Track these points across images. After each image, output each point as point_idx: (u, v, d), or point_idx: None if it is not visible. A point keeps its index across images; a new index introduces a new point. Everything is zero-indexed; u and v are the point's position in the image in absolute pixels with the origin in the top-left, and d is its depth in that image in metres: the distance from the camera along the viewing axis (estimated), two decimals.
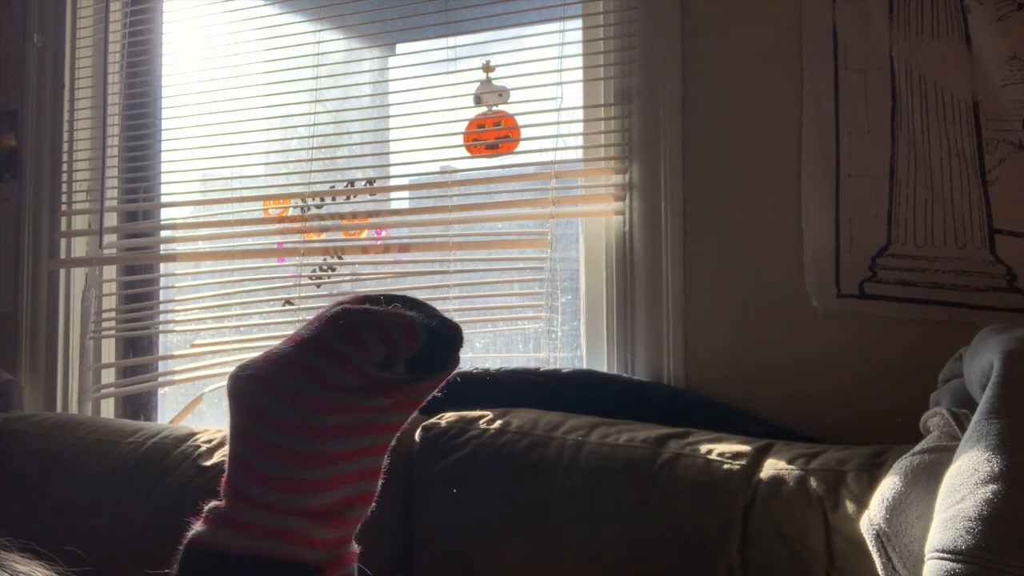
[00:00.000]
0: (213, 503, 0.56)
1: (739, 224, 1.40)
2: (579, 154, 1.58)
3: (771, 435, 1.22)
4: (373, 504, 0.59)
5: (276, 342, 0.59)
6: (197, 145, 1.86)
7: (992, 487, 0.71)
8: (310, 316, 0.64)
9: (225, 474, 0.56)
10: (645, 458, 1.15)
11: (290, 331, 0.61)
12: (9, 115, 1.98)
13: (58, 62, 1.96)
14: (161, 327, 1.92)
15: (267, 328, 1.81)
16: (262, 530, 0.53)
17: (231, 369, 0.57)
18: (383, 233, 1.75)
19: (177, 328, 1.91)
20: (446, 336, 0.59)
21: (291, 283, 1.75)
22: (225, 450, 0.61)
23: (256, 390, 0.55)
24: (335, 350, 0.55)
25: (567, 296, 1.62)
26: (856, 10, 1.33)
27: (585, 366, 1.54)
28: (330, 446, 0.55)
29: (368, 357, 0.55)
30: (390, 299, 0.60)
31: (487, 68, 1.63)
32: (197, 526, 0.55)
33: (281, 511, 0.54)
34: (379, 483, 0.59)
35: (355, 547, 0.59)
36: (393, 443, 0.60)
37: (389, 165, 1.78)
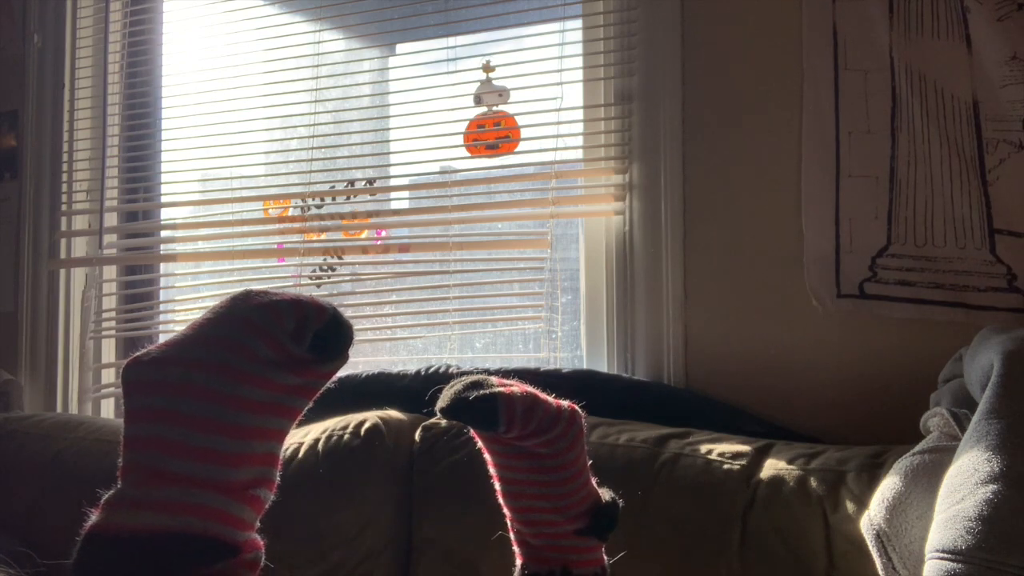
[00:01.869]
0: (110, 492, 0.56)
1: (739, 224, 1.40)
2: (579, 154, 1.58)
3: (771, 435, 1.23)
4: (274, 492, 0.61)
5: None
6: (197, 145, 1.86)
7: (992, 487, 0.71)
8: None
9: (124, 464, 0.56)
10: (645, 458, 1.15)
11: None
12: (9, 115, 1.98)
13: (58, 62, 1.96)
14: (161, 327, 1.92)
15: None
16: (176, 506, 0.54)
17: None
18: (383, 233, 1.75)
19: (177, 328, 1.91)
20: (344, 322, 0.62)
21: (291, 283, 1.75)
22: None
23: (175, 368, 0.56)
24: (253, 322, 0.58)
25: (567, 296, 1.62)
26: (856, 10, 1.33)
27: (585, 366, 1.54)
28: (250, 419, 0.57)
29: (281, 324, 0.58)
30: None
31: (487, 68, 1.63)
32: (95, 516, 0.54)
33: (199, 484, 0.55)
34: (278, 472, 0.61)
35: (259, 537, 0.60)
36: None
37: (389, 165, 1.78)
